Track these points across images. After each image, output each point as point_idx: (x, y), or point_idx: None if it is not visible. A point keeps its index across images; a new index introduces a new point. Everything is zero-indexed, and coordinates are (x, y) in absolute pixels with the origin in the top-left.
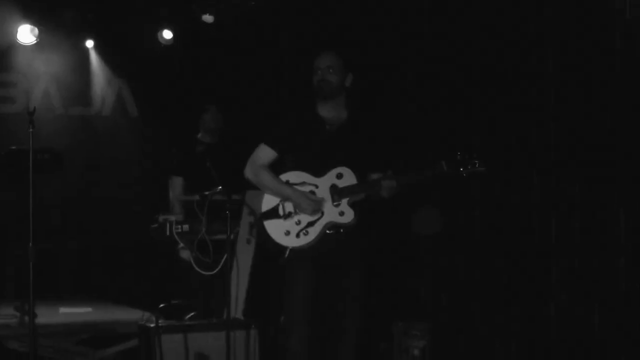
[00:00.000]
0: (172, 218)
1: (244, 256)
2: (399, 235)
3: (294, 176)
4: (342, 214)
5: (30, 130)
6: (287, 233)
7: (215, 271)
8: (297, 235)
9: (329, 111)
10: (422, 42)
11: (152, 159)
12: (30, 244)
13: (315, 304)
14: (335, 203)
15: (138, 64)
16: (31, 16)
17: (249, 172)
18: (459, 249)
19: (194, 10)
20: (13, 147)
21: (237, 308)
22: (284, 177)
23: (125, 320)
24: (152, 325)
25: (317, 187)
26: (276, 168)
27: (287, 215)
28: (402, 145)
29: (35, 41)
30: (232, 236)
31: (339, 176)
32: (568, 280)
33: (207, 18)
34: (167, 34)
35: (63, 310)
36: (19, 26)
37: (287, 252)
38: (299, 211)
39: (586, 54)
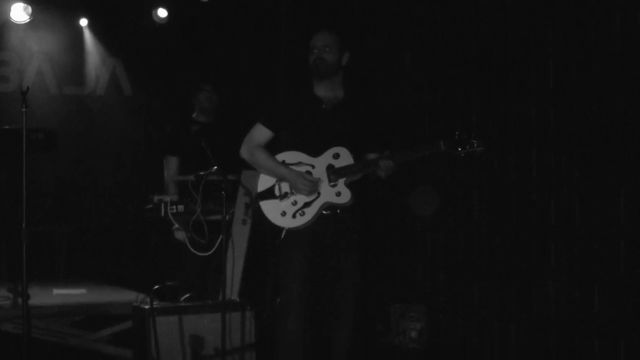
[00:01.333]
0: (167, 198)
1: (240, 237)
2: (397, 216)
3: (290, 156)
4: (338, 194)
5: (24, 109)
6: (283, 214)
7: (210, 252)
8: (294, 216)
9: (326, 90)
10: (420, 21)
11: (146, 138)
12: (24, 224)
13: (311, 284)
14: (331, 183)
15: (133, 43)
16: None
17: (244, 152)
18: (457, 229)
19: None
20: (6, 127)
21: (232, 289)
22: (280, 157)
23: (119, 301)
24: (146, 306)
25: (313, 167)
26: (272, 148)
27: (283, 196)
28: (399, 125)
29: (29, 20)
30: (227, 217)
31: (336, 156)
32: (567, 261)
33: None
34: (162, 12)
35: (56, 291)
36: (12, 4)
37: (283, 233)
38: (295, 191)
39: (586, 36)
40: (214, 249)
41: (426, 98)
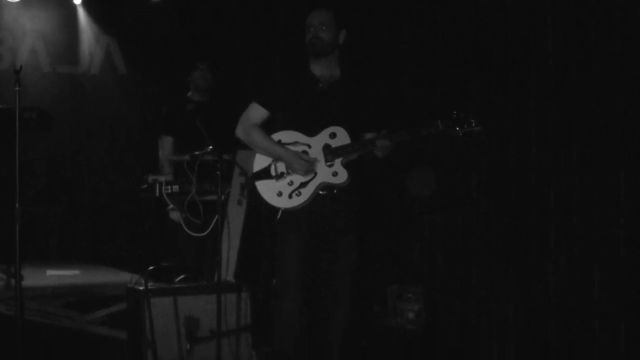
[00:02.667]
0: (162, 178)
1: (235, 217)
2: (394, 196)
3: (286, 135)
4: (335, 174)
5: (17, 88)
6: (280, 194)
7: (205, 233)
8: (290, 196)
9: (322, 69)
10: (420, 15)
11: (141, 118)
12: (17, 205)
13: (307, 266)
14: (328, 163)
15: (127, 21)
16: None
17: (240, 132)
18: (455, 211)
19: None
20: None
21: (228, 270)
22: (276, 136)
23: (113, 283)
24: (141, 288)
25: (309, 146)
26: (268, 127)
27: (280, 176)
28: (396, 104)
29: None
30: (223, 197)
31: (332, 136)
32: (567, 241)
33: None
34: None
35: (50, 272)
36: None
37: (279, 214)
38: (291, 171)
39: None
40: (209, 229)
41: (424, 75)
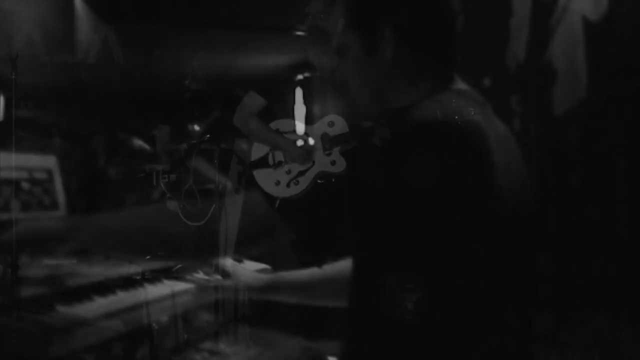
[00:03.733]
0: (159, 167)
1: (233, 207)
2: (392, 185)
3: (284, 124)
4: (333, 163)
5: (13, 77)
6: (277, 183)
7: (203, 222)
8: (288, 185)
9: (320, 57)
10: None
11: (138, 107)
12: (13, 195)
13: (306, 255)
14: (326, 152)
15: (124, 9)
16: None
17: (237, 121)
18: (452, 199)
19: None
20: None
21: (225, 260)
22: (273, 125)
23: (110, 272)
24: (137, 278)
25: (307, 135)
26: (266, 116)
27: (277, 165)
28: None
29: None
30: (220, 186)
31: (331, 124)
32: (565, 231)
33: None
34: None
35: (47, 262)
36: None
37: (277, 203)
38: (289, 160)
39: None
40: (206, 218)
41: (422, 62)
